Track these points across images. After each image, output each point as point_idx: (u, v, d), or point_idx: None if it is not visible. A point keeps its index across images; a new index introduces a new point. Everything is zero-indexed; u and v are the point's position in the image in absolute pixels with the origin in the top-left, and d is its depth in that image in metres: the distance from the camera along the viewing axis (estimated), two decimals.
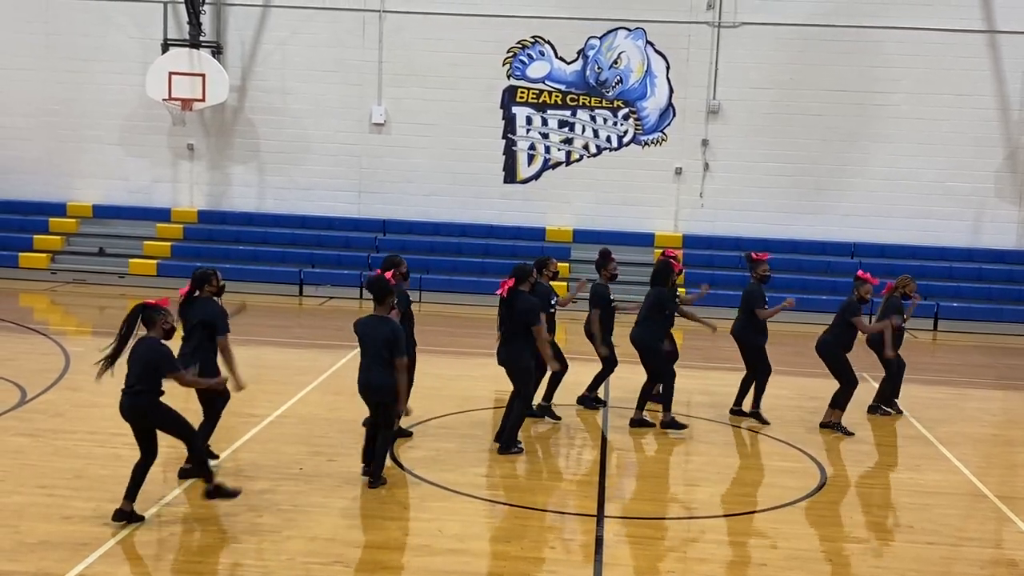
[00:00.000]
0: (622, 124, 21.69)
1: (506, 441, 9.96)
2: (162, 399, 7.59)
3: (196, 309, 8.62)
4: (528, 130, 21.86)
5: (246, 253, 21.24)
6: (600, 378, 11.80)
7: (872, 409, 12.21)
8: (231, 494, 7.96)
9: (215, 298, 8.85)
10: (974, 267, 20.89)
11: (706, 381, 13.58)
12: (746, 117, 21.33)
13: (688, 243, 21.27)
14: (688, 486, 9.54)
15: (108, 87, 22.01)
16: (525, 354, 9.86)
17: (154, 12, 21.42)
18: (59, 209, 22.18)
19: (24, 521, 7.64)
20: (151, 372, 7.48)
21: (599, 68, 21.58)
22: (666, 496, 9.27)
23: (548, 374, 10.96)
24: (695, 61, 21.29)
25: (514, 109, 21.80)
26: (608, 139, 21.77)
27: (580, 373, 11.75)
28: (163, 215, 22.11)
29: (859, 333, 11.36)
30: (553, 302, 10.88)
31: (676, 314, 11.29)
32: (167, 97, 20.84)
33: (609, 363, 11.61)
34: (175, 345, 7.97)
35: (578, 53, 21.57)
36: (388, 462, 9.03)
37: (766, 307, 11.52)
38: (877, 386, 12.35)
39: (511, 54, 21.61)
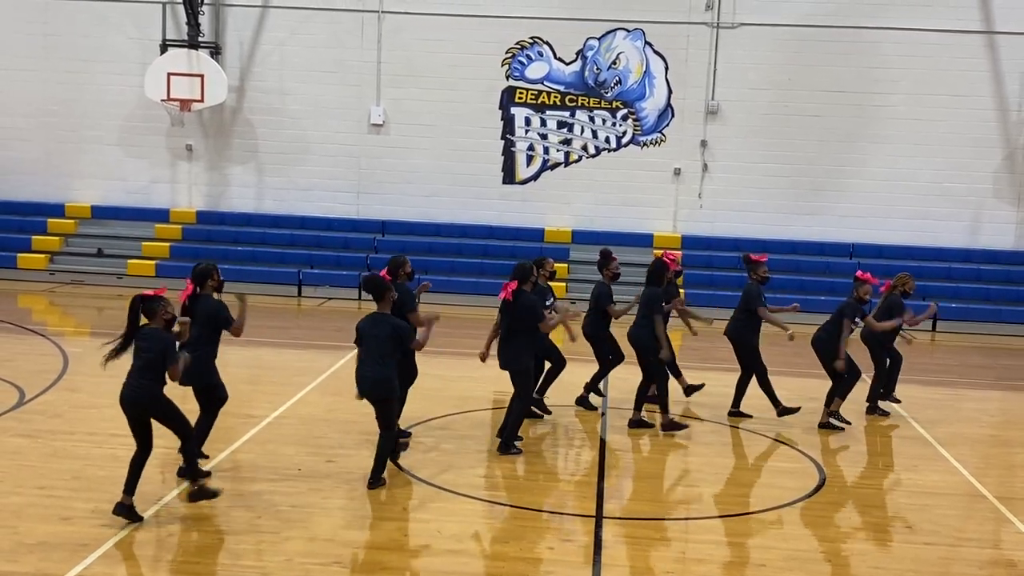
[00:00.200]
0: (621, 125, 21.69)
1: (505, 441, 9.97)
2: (164, 391, 7.61)
3: (200, 306, 8.61)
4: (527, 131, 21.86)
5: (245, 254, 21.24)
6: (597, 378, 11.84)
7: (870, 410, 12.22)
8: (213, 494, 7.95)
9: (216, 294, 8.86)
10: (972, 268, 20.91)
11: (704, 381, 13.56)
12: (745, 118, 21.34)
13: (687, 244, 21.28)
14: (687, 487, 9.54)
15: (107, 88, 22.01)
16: (525, 354, 9.89)
17: (153, 13, 21.42)
18: (57, 210, 22.17)
19: (23, 522, 7.64)
20: (155, 362, 7.50)
21: (598, 69, 21.59)
22: (665, 497, 9.28)
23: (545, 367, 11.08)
24: (694, 62, 21.30)
25: (513, 110, 21.81)
26: (607, 140, 21.78)
27: (580, 374, 11.76)
28: (162, 216, 22.11)
29: (856, 331, 11.40)
30: (549, 302, 10.90)
31: (671, 314, 11.33)
32: (166, 98, 20.84)
33: (606, 363, 11.67)
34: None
35: (577, 54, 21.57)
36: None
37: (767, 307, 11.51)
38: (869, 384, 12.34)
39: (510, 55, 21.62)
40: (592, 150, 21.83)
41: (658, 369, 11.04)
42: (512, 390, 9.99)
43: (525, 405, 10.08)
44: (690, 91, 21.40)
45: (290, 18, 21.74)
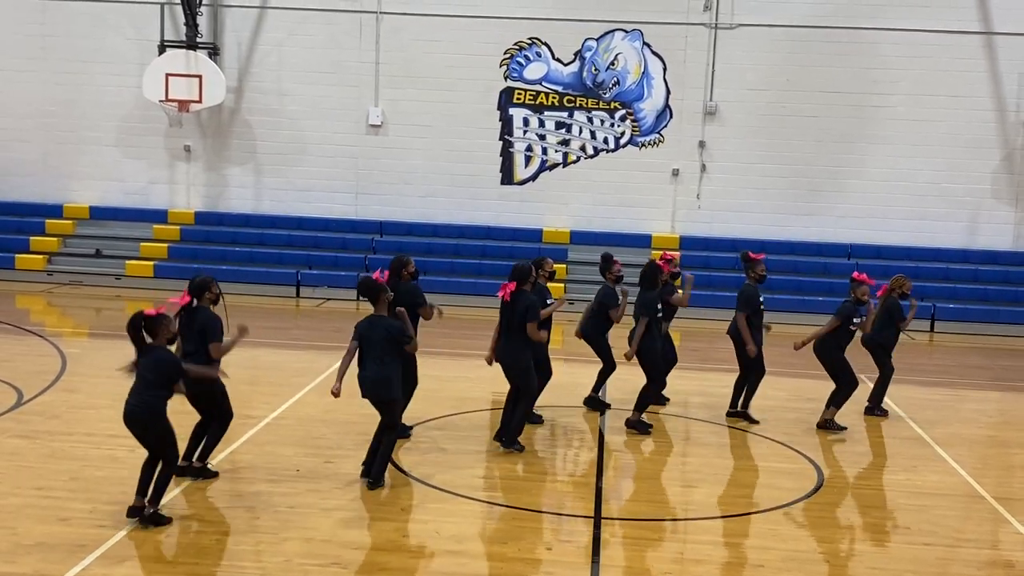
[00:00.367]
0: (619, 125, 21.70)
1: (510, 437, 9.97)
2: (166, 411, 7.60)
3: (196, 318, 8.57)
4: (525, 131, 21.86)
5: (243, 255, 21.23)
6: (602, 378, 11.85)
7: (868, 411, 12.23)
8: (166, 521, 7.73)
9: (212, 306, 8.82)
10: (970, 268, 20.91)
11: (703, 382, 13.59)
12: (743, 118, 21.35)
13: (685, 244, 21.29)
14: (685, 487, 9.54)
15: (105, 89, 22.00)
16: (525, 353, 9.89)
17: (151, 14, 21.41)
18: (56, 211, 22.16)
19: (21, 523, 7.63)
20: (162, 381, 7.49)
21: (596, 69, 21.59)
22: (663, 497, 9.28)
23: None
24: (692, 63, 21.30)
25: (511, 110, 21.82)
26: (605, 140, 21.78)
27: (578, 375, 11.75)
28: (160, 216, 22.10)
29: (856, 333, 11.41)
30: (549, 302, 10.91)
31: (669, 306, 11.35)
32: (164, 98, 20.83)
33: (610, 361, 11.67)
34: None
35: (575, 55, 21.58)
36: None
37: (751, 316, 11.45)
38: (872, 386, 12.36)
39: (508, 55, 21.62)
40: (590, 151, 21.84)
41: (656, 373, 11.04)
42: (511, 390, 10.00)
43: (530, 402, 10.09)
44: (688, 92, 21.41)
45: (288, 19, 21.74)
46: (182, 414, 8.31)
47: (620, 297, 11.23)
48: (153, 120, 21.69)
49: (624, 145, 21.75)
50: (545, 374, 10.93)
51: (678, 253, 19.90)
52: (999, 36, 20.71)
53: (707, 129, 21.48)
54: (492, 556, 7.55)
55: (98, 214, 22.14)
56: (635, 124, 21.66)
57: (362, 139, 21.98)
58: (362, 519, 8.16)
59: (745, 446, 10.94)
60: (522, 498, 8.82)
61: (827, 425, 11.36)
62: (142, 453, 7.82)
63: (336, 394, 8.65)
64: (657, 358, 11.04)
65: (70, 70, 22.02)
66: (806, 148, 21.29)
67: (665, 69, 21.47)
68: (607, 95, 21.66)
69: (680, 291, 11.63)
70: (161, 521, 7.68)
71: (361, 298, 8.93)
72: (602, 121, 21.74)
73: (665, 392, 12.13)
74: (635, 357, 10.96)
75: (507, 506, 8.63)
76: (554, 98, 21.75)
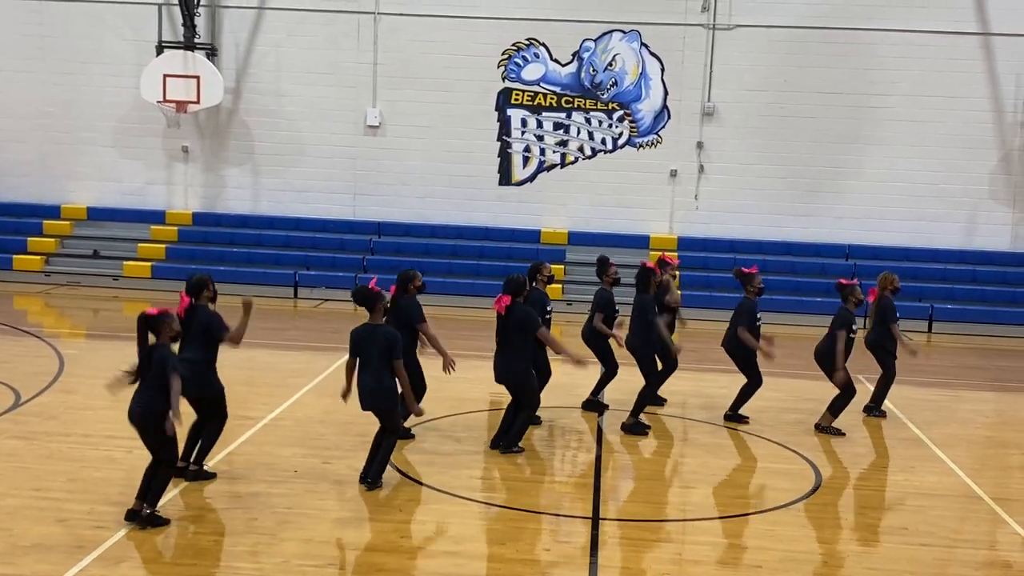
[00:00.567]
0: (617, 126, 21.71)
1: (509, 442, 9.97)
2: (167, 412, 7.58)
3: (196, 317, 8.57)
4: (523, 132, 21.87)
5: (241, 255, 21.22)
6: (603, 382, 11.85)
7: (868, 410, 12.23)
8: (163, 523, 7.72)
9: (211, 304, 8.82)
10: (968, 269, 20.93)
11: (701, 383, 13.60)
12: (741, 119, 21.36)
13: (683, 245, 21.30)
14: (683, 488, 9.54)
15: (103, 89, 22.00)
16: (521, 364, 9.86)
17: (149, 14, 21.40)
18: (53, 211, 22.15)
19: (18, 524, 7.63)
20: (160, 380, 7.49)
21: (594, 70, 21.60)
22: (661, 498, 9.27)
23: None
24: (690, 63, 21.31)
25: (509, 111, 21.82)
26: (603, 141, 21.79)
27: (577, 376, 11.74)
28: (157, 217, 22.09)
29: (854, 341, 11.39)
30: (549, 308, 10.90)
31: (668, 311, 11.36)
32: (162, 99, 20.83)
33: (612, 368, 11.66)
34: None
35: (573, 55, 21.59)
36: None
37: (749, 329, 11.42)
38: (872, 388, 12.37)
39: (506, 56, 21.63)
40: (588, 151, 21.84)
41: (653, 379, 11.06)
42: (511, 397, 10.01)
43: (531, 411, 10.08)
44: (686, 93, 21.42)
45: (286, 20, 21.74)
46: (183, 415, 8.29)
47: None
48: (151, 121, 21.68)
49: (622, 146, 21.76)
50: (544, 376, 10.93)
51: (676, 254, 19.89)
52: (996, 37, 20.73)
53: (705, 130, 21.49)
54: (490, 557, 7.55)
55: (96, 215, 22.13)
56: (633, 125, 21.67)
57: (360, 140, 21.98)
58: (360, 520, 8.16)
59: (743, 447, 10.94)
60: (520, 499, 8.82)
61: (825, 430, 11.36)
62: (140, 454, 7.83)
63: (346, 397, 8.72)
64: (654, 360, 11.06)
65: (68, 71, 22.02)
66: (804, 149, 21.31)
67: (663, 70, 21.48)
68: (605, 96, 21.67)
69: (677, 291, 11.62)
70: (158, 522, 7.67)
71: (357, 308, 8.90)
72: (600, 122, 21.75)
73: (663, 393, 12.13)
74: (633, 358, 10.99)
75: (505, 507, 8.62)
76: (552, 99, 21.76)
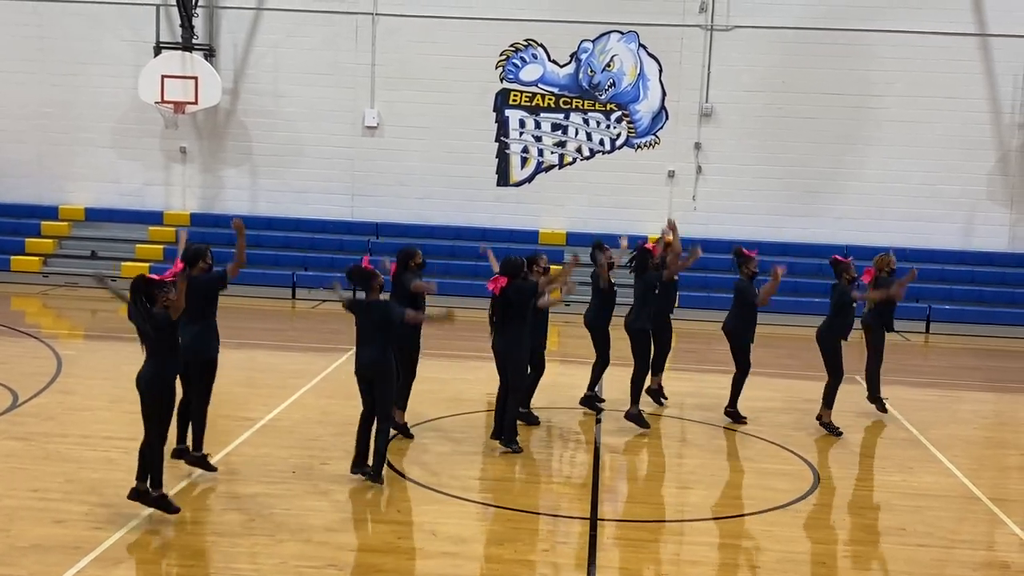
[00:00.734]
0: (615, 127, 21.71)
1: (508, 436, 9.97)
2: (161, 382, 7.58)
3: (191, 284, 8.54)
4: (521, 133, 21.87)
5: None
6: (596, 374, 11.81)
7: (871, 399, 12.21)
8: (174, 510, 7.76)
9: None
10: (966, 270, 20.93)
11: (699, 383, 13.61)
12: (739, 120, 21.37)
13: (681, 245, 21.22)
14: (681, 488, 9.55)
15: (100, 90, 21.97)
16: (521, 344, 9.89)
17: (147, 15, 21.39)
18: (51, 212, 22.13)
19: (16, 525, 7.62)
20: (160, 347, 7.53)
21: (592, 71, 21.60)
22: (659, 499, 9.28)
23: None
24: (688, 64, 21.32)
25: (507, 112, 21.82)
26: (601, 142, 21.79)
27: (573, 376, 11.76)
28: (155, 218, 22.07)
29: (855, 320, 11.39)
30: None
31: (666, 273, 11.39)
32: (159, 100, 20.81)
33: (606, 355, 11.64)
34: None
35: (571, 56, 21.59)
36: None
37: (749, 311, 11.47)
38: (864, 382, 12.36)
39: (504, 57, 21.63)
40: (586, 152, 21.84)
41: (643, 362, 11.03)
42: (500, 388, 10.02)
43: (519, 399, 10.09)
44: (684, 93, 21.42)
45: (284, 20, 21.72)
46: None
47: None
48: (149, 122, 21.66)
49: (620, 147, 21.76)
50: (538, 368, 10.92)
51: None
52: (994, 38, 20.73)
53: (703, 131, 21.49)
54: (488, 558, 7.56)
55: (94, 216, 22.11)
56: (631, 126, 21.68)
57: (358, 141, 21.97)
58: (358, 521, 8.16)
59: (741, 447, 10.94)
60: (518, 499, 8.82)
61: (826, 426, 11.36)
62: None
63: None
64: (646, 341, 11.02)
65: (66, 71, 21.99)
66: (802, 149, 21.31)
67: (661, 71, 21.48)
68: (603, 97, 21.67)
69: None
70: (168, 508, 7.66)
71: (355, 287, 8.88)
72: (598, 123, 21.75)
73: (661, 393, 12.15)
74: (631, 342, 10.97)
75: (503, 507, 8.62)
76: (550, 100, 21.76)
